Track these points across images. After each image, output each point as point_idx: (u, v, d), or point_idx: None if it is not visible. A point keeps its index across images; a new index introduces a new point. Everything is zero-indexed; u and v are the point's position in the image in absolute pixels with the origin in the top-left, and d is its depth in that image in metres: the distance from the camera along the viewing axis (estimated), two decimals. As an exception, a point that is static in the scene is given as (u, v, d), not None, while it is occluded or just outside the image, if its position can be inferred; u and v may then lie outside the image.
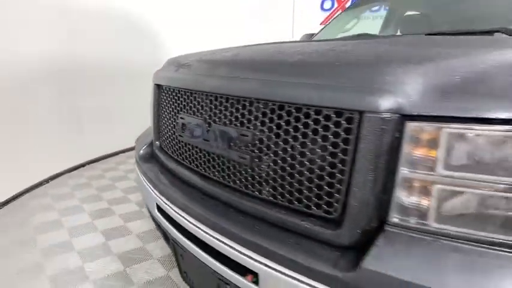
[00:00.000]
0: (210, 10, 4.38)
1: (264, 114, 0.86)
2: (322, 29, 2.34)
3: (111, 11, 3.41)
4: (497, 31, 1.31)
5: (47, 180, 3.00)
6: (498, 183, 0.61)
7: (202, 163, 1.07)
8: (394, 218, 0.70)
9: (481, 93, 0.62)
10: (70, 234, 2.14)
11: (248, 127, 0.89)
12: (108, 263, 1.84)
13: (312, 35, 2.35)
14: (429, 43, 1.01)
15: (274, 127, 0.84)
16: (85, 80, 3.24)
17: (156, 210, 1.25)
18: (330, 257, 0.72)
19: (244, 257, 0.85)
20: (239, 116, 0.91)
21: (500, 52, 0.76)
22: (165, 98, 1.27)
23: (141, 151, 1.42)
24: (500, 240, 0.62)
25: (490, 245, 0.63)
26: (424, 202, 0.67)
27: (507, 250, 0.62)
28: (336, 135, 0.73)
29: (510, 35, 1.29)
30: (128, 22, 3.60)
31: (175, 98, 1.19)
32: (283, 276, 0.77)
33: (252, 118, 0.88)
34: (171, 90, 1.21)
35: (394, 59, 0.76)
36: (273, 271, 0.79)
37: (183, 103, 1.14)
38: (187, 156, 1.15)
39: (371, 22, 2.55)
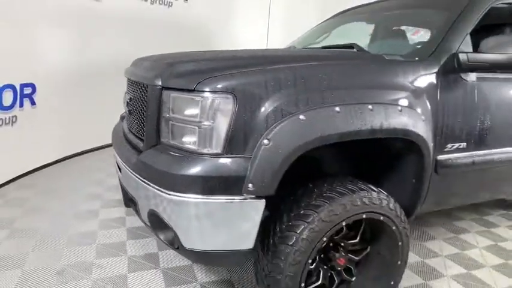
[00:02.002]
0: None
1: (135, 88, 1.62)
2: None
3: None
4: (352, 47, 1.82)
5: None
6: (189, 120, 1.26)
7: (127, 118, 1.88)
8: (162, 139, 1.38)
9: (185, 76, 1.28)
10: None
11: (131, 95, 1.66)
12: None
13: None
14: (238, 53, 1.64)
15: (135, 95, 1.59)
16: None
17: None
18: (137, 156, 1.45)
19: (120, 163, 1.62)
20: (130, 89, 1.69)
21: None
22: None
23: (121, 115, 2.30)
24: (188, 148, 1.27)
25: (185, 151, 1.28)
26: (167, 130, 1.34)
27: (189, 154, 1.26)
28: (147, 97, 1.45)
29: (357, 50, 1.78)
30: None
31: (127, 82, 2.02)
32: (124, 168, 1.52)
33: (131, 90, 1.65)
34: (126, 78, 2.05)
35: (178, 61, 1.45)
36: (123, 167, 1.55)
37: (127, 84, 1.96)
38: (125, 114, 1.98)
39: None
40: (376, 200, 1.38)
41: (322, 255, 1.52)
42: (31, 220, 2.37)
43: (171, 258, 2.01)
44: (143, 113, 1.48)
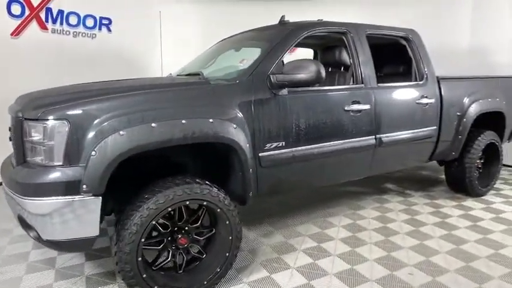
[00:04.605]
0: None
1: (12, 120, 2.00)
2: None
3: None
4: (199, 74, 2.30)
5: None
6: (38, 141, 1.66)
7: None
8: (27, 158, 1.75)
9: (35, 109, 1.69)
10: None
11: (10, 125, 2.04)
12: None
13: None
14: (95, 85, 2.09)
15: (12, 125, 1.97)
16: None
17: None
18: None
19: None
20: (11, 121, 2.07)
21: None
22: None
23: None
24: (40, 163, 1.66)
25: (38, 165, 1.67)
26: (28, 151, 1.73)
27: (40, 167, 1.65)
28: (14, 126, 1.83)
29: (200, 77, 2.25)
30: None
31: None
32: (7, 190, 1.88)
33: (11, 122, 2.03)
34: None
35: (34, 98, 1.86)
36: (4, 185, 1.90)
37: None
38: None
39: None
40: (197, 189, 1.84)
41: (169, 238, 1.94)
42: None
43: (66, 260, 2.36)
44: (15, 139, 1.86)
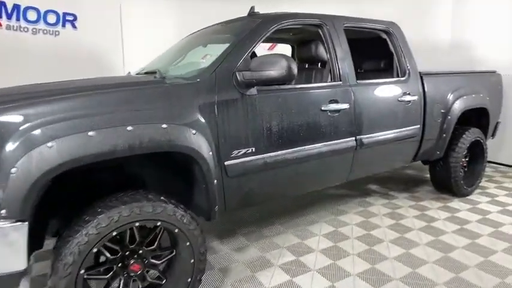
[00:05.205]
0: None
1: None
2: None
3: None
4: (155, 72, 2.01)
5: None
6: None
7: None
8: None
9: None
10: None
11: None
12: None
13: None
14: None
15: None
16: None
17: None
18: None
19: None
20: None
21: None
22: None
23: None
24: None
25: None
26: None
27: None
28: None
29: (156, 75, 1.97)
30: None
31: None
32: None
33: None
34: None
35: None
36: None
37: None
38: None
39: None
40: (148, 208, 1.56)
41: (119, 265, 1.66)
42: None
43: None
44: None
